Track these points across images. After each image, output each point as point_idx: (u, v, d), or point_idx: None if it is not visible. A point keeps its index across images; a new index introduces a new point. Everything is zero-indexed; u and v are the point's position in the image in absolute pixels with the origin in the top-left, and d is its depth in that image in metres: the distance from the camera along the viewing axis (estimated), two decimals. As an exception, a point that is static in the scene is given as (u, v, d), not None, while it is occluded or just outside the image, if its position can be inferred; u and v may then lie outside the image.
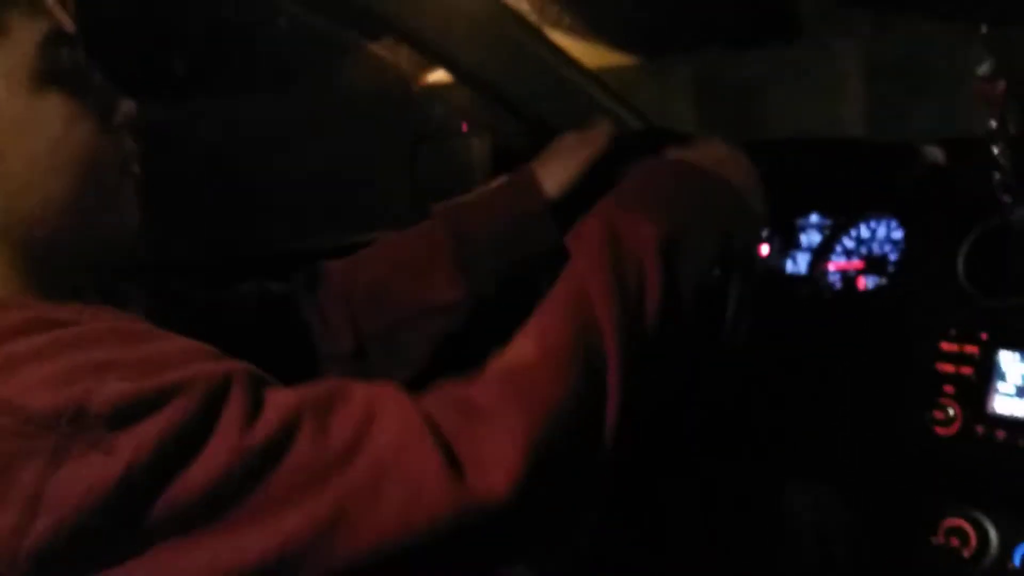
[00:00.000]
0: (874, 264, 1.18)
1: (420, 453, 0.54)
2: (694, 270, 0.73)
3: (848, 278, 1.19)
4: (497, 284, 0.93)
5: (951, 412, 0.97)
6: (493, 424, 0.57)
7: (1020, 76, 0.91)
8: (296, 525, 0.50)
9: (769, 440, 1.23)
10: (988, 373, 0.97)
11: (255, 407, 0.52)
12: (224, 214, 1.35)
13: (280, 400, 0.53)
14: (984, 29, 0.91)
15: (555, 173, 0.96)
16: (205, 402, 0.50)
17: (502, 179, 0.98)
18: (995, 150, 0.94)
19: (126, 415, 0.47)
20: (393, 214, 1.49)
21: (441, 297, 0.91)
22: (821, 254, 1.22)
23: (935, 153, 1.09)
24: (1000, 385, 0.96)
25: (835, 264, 1.21)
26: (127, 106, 0.65)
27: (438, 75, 1.44)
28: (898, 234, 1.17)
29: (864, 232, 1.20)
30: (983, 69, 0.92)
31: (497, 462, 0.55)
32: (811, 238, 1.24)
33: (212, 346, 0.56)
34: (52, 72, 0.59)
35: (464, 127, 1.54)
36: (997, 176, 0.95)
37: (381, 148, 1.56)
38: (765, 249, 1.25)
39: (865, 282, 1.18)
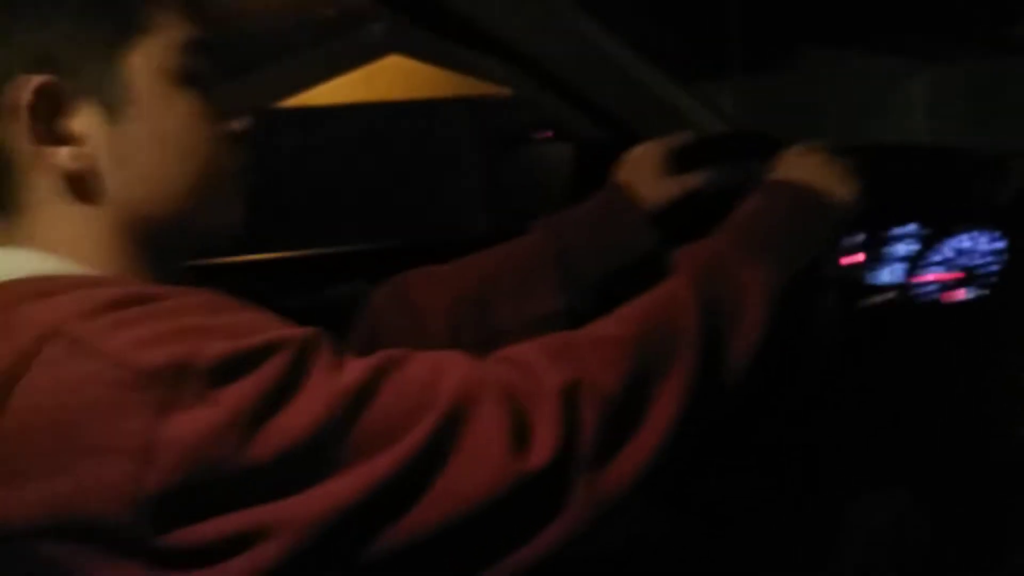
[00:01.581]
0: (973, 276, 1.14)
1: (485, 397, 0.57)
2: (791, 303, 0.74)
3: (946, 288, 1.16)
4: (597, 296, 0.94)
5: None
6: (537, 374, 0.60)
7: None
8: (389, 465, 0.52)
9: (856, 448, 1.20)
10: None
11: (340, 362, 0.55)
12: (305, 214, 1.38)
13: (361, 359, 0.57)
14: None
15: (646, 185, 0.98)
16: (297, 357, 0.52)
17: (598, 193, 1.00)
18: None
19: (227, 371, 0.50)
20: (477, 218, 1.51)
21: (543, 308, 0.93)
22: (918, 264, 1.18)
23: None
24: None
25: (932, 275, 1.18)
26: (245, 119, 0.70)
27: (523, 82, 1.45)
28: (999, 245, 1.13)
29: (965, 243, 1.17)
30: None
31: (542, 413, 0.58)
32: (909, 247, 1.21)
33: None
34: (188, 73, 0.64)
35: (550, 134, 1.55)
36: None
37: (467, 153, 1.58)
38: (860, 256, 1.22)
39: (963, 293, 1.15)
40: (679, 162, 1.01)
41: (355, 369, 0.55)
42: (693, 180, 1.00)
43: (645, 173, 0.99)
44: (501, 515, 0.56)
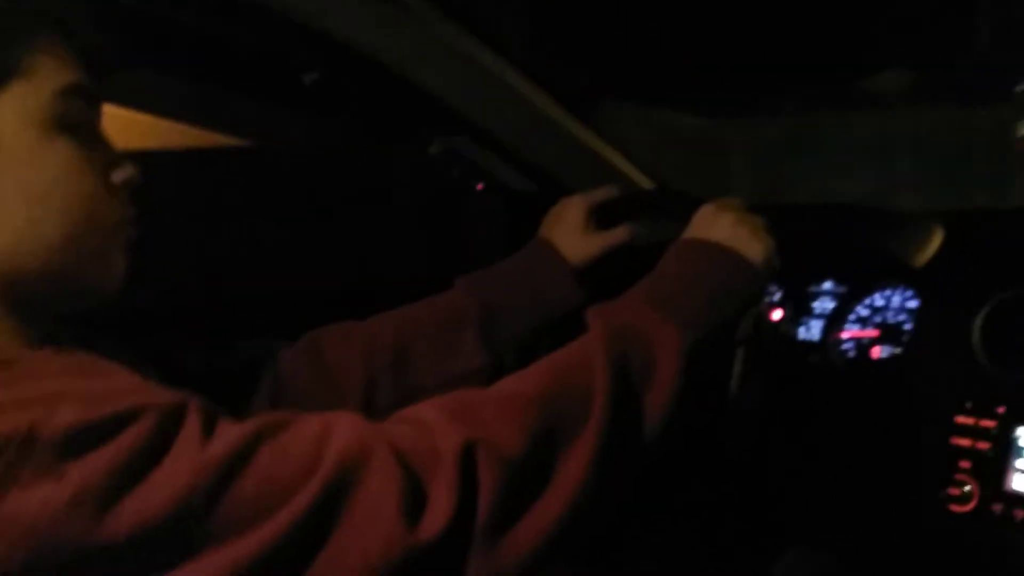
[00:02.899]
0: (889, 333, 1.16)
1: (375, 461, 0.54)
2: (707, 362, 0.73)
3: (862, 346, 1.18)
4: (521, 353, 0.93)
5: (967, 489, 0.95)
6: (433, 435, 0.58)
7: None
8: (257, 544, 0.49)
9: (775, 505, 1.20)
10: (1006, 449, 0.94)
11: (211, 429, 0.52)
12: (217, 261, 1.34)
13: (236, 424, 0.53)
14: (1020, 89, 0.90)
15: (571, 240, 0.98)
16: (160, 426, 0.49)
17: (522, 249, 1.00)
18: None
19: (77, 443, 0.47)
20: (407, 271, 1.49)
21: (465, 366, 0.91)
22: (835, 321, 1.20)
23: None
24: (1019, 462, 0.93)
25: (849, 332, 1.19)
26: (129, 169, 0.67)
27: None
28: (913, 303, 1.16)
29: (879, 300, 1.19)
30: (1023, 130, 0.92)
31: (438, 472, 0.55)
32: (825, 305, 1.23)
33: None
34: (64, 120, 0.61)
35: (480, 186, 1.55)
36: None
37: (398, 206, 1.57)
38: (778, 314, 1.24)
39: (879, 351, 1.17)
40: (602, 217, 1.01)
41: (227, 437, 0.51)
42: (616, 236, 1.01)
43: (568, 228, 1.00)
44: None
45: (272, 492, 0.50)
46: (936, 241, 1.10)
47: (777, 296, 1.26)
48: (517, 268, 0.98)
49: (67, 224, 0.61)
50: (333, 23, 0.98)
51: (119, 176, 0.66)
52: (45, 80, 0.60)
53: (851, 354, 1.18)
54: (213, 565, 0.48)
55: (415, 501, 0.54)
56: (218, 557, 0.48)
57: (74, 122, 0.62)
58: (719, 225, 0.84)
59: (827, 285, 1.24)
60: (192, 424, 0.51)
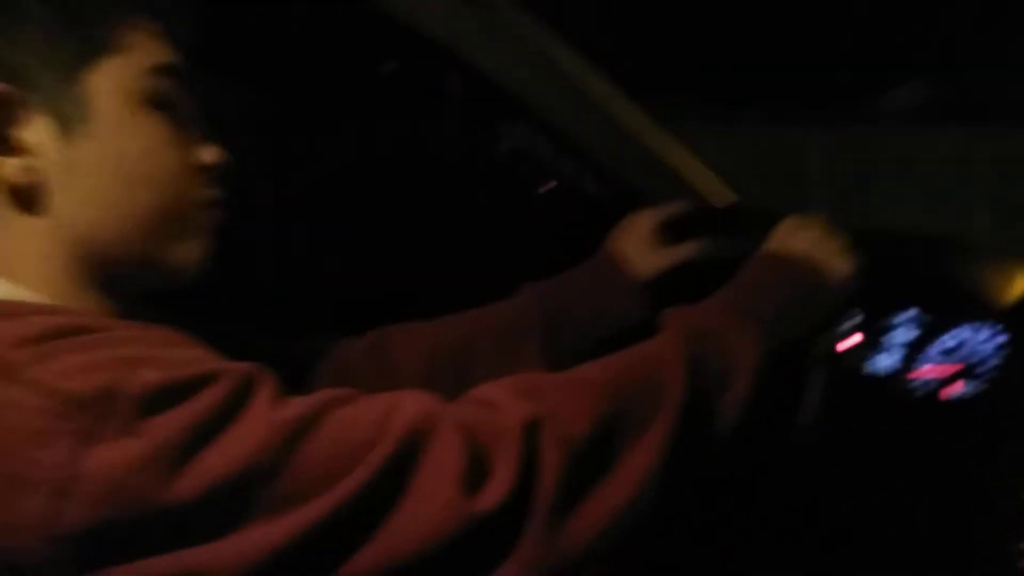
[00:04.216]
0: (971, 370, 1.11)
1: (440, 433, 0.54)
2: (781, 377, 0.72)
3: (941, 382, 1.12)
4: (578, 360, 0.91)
5: (1046, 544, 0.89)
6: (499, 411, 0.58)
7: None
8: (324, 508, 0.50)
9: (838, 540, 1.15)
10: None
11: (282, 396, 0.53)
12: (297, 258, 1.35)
13: (305, 396, 0.54)
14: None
15: (639, 254, 0.97)
16: (235, 390, 0.50)
17: (589, 260, 0.98)
18: None
19: (158, 401, 0.48)
20: (473, 266, 1.48)
21: (524, 370, 0.89)
22: (915, 353, 1.15)
23: None
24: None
25: (929, 365, 1.14)
26: (217, 151, 0.67)
27: (526, 132, 1.44)
28: (1000, 340, 1.10)
29: (963, 335, 1.13)
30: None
31: (503, 445, 0.55)
32: (905, 335, 1.17)
33: None
34: (156, 97, 0.62)
35: (549, 185, 1.53)
36: None
37: (466, 202, 1.56)
38: (855, 340, 1.19)
39: (959, 388, 1.11)
40: (673, 231, 0.99)
41: (297, 404, 0.52)
42: (685, 251, 0.99)
43: (636, 242, 0.98)
44: (449, 557, 0.52)
45: (339, 458, 0.51)
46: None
47: (856, 322, 1.21)
48: (583, 279, 0.97)
49: (152, 199, 0.62)
50: (426, 20, 0.97)
51: (207, 157, 0.66)
52: (139, 57, 0.62)
53: (929, 389, 1.13)
54: (280, 527, 0.49)
55: (477, 473, 0.53)
56: (285, 520, 0.49)
57: (165, 100, 0.63)
58: (801, 240, 0.82)
59: (909, 314, 1.18)
60: (265, 390, 0.52)
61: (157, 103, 0.63)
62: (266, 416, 0.50)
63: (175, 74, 0.64)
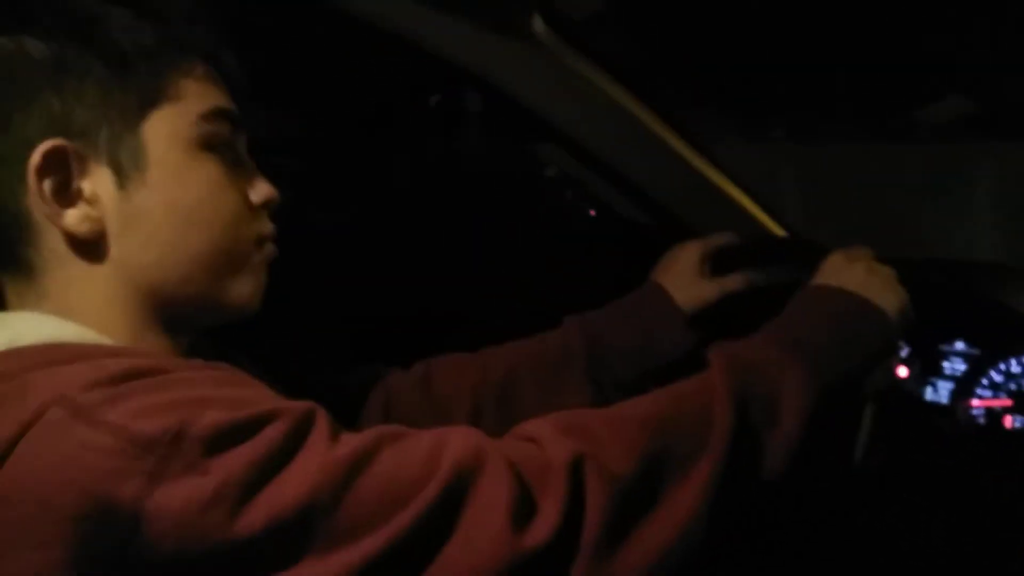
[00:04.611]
0: (1022, 404, 1.09)
1: (489, 468, 0.55)
2: (834, 412, 0.70)
3: (993, 415, 1.10)
4: (623, 392, 0.91)
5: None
6: (544, 448, 0.58)
7: None
8: (379, 543, 0.51)
9: (888, 572, 1.13)
10: None
11: (337, 434, 0.55)
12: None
13: (357, 433, 0.56)
14: None
15: (684, 286, 0.97)
16: (294, 428, 0.52)
17: (635, 291, 0.99)
18: None
19: (222, 441, 0.50)
20: (517, 291, 1.49)
21: (568, 402, 0.91)
22: (965, 385, 1.13)
23: None
24: None
25: (980, 398, 1.12)
26: (269, 189, 0.69)
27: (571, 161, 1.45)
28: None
29: (1015, 367, 1.11)
30: None
31: (548, 481, 0.56)
32: (955, 367, 1.15)
33: None
34: (209, 140, 0.64)
35: (592, 213, 1.54)
36: None
37: (513, 229, 1.57)
38: (903, 372, 1.17)
39: (1012, 422, 1.09)
40: (719, 263, 0.99)
41: (352, 441, 0.54)
42: (730, 284, 0.99)
43: (681, 273, 0.98)
44: None
45: (393, 493, 0.52)
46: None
47: (904, 353, 1.20)
48: (628, 310, 0.97)
49: (210, 241, 0.64)
50: (460, 51, 0.98)
51: (259, 196, 0.69)
52: (192, 103, 0.64)
53: (981, 421, 1.11)
54: (336, 562, 0.50)
55: (525, 509, 0.54)
56: (341, 554, 0.50)
57: (218, 143, 0.65)
58: (850, 273, 0.81)
59: (959, 346, 1.17)
60: (321, 428, 0.54)
61: (211, 146, 0.64)
62: (323, 453, 0.52)
63: (227, 117, 0.66)
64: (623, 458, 0.59)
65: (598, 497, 0.56)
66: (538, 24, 0.97)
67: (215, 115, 0.65)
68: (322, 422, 0.54)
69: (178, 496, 0.48)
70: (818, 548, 1.09)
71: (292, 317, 1.13)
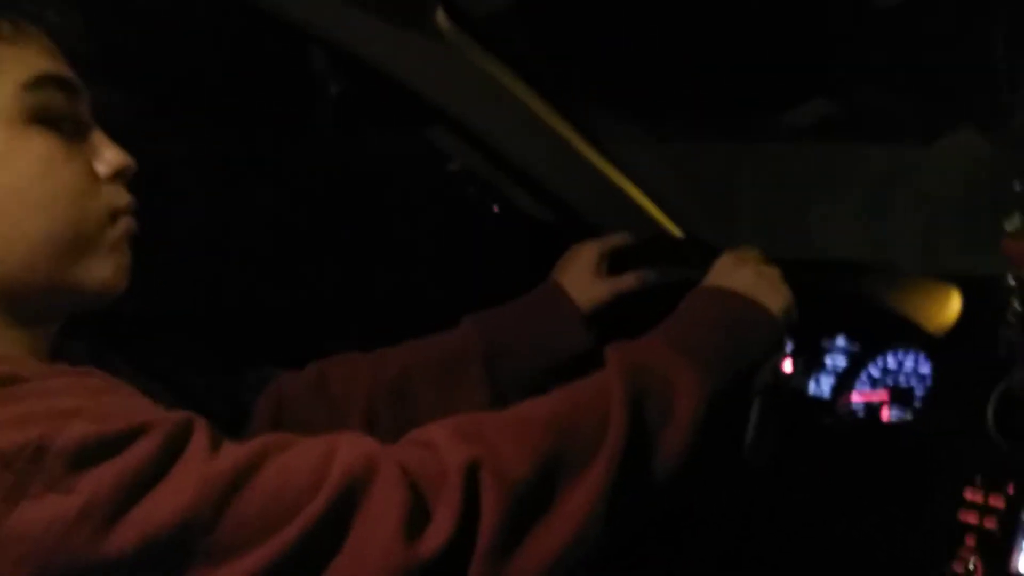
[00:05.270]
0: (899, 396, 1.14)
1: (380, 477, 0.53)
2: (725, 411, 0.72)
3: (872, 408, 1.16)
4: (521, 391, 0.92)
5: (971, 566, 0.93)
6: (439, 453, 0.57)
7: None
8: (264, 559, 0.49)
9: (774, 564, 1.18)
10: (1013, 528, 0.92)
11: (216, 446, 0.51)
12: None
13: (241, 444, 0.53)
14: (1018, 187, 0.89)
15: (582, 285, 0.98)
16: (167, 442, 0.49)
17: (533, 292, 0.99)
18: (1015, 305, 0.92)
19: (88, 456, 0.47)
20: (418, 289, 1.48)
21: (466, 403, 0.90)
22: (845, 380, 1.19)
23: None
24: (1026, 543, 0.91)
25: (859, 392, 1.18)
26: (119, 157, 0.64)
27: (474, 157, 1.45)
28: (925, 368, 1.14)
29: (891, 362, 1.17)
30: (1013, 225, 0.90)
31: (443, 487, 0.55)
32: (836, 361, 1.21)
33: None
34: (37, 113, 0.59)
35: (495, 209, 1.54)
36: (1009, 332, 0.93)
37: (413, 224, 1.56)
38: (788, 366, 1.22)
39: (889, 414, 1.15)
40: (615, 263, 1.00)
41: (233, 453, 0.51)
42: (626, 282, 1.00)
43: (579, 273, 0.99)
44: None
45: (278, 508, 0.50)
46: (954, 308, 1.08)
47: (789, 348, 1.25)
48: (526, 309, 0.98)
49: (50, 223, 0.59)
50: (363, 43, 0.97)
51: (108, 166, 0.63)
52: (8, 73, 0.58)
53: (860, 415, 1.17)
54: None
55: (418, 518, 0.53)
56: (224, 572, 0.48)
57: (50, 115, 0.59)
58: (739, 275, 0.83)
59: (839, 341, 1.22)
60: (199, 440, 0.51)
61: (40, 119, 0.59)
62: (200, 468, 0.49)
63: (58, 82, 0.60)
64: (519, 462, 0.58)
65: (493, 503, 0.55)
66: (441, 19, 0.97)
67: (41, 82, 0.59)
68: (200, 433, 0.51)
69: (40, 516, 0.45)
70: (709, 542, 1.12)
71: (173, 316, 1.09)
